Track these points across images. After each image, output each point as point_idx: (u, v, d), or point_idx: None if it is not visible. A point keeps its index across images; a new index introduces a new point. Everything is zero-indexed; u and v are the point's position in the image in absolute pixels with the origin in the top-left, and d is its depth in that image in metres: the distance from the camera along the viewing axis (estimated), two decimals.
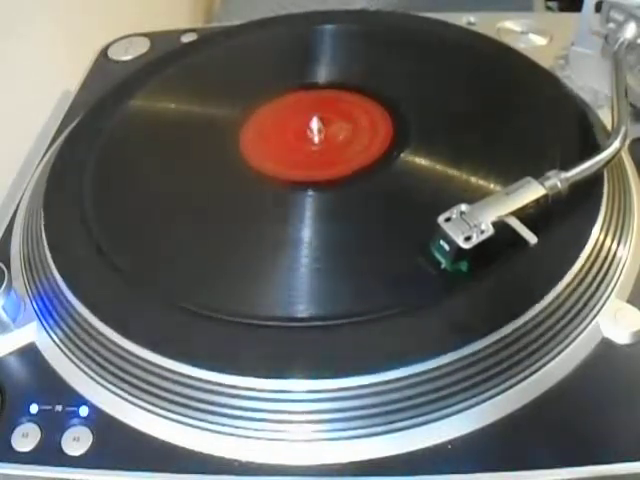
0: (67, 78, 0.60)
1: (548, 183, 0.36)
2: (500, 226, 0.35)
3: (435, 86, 0.49)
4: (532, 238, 0.34)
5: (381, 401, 0.32)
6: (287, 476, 0.32)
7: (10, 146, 0.55)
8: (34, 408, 0.34)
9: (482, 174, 0.41)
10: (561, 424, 0.32)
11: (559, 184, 0.36)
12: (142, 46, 0.61)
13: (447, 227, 0.35)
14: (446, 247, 0.35)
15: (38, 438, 0.33)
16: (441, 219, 0.35)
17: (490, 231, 0.34)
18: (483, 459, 0.31)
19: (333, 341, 0.34)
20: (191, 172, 0.45)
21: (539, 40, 0.56)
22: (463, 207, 0.35)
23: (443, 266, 0.36)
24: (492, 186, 0.40)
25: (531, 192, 0.36)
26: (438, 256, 0.36)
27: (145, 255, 0.39)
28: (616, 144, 0.38)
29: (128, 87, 0.52)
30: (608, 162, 0.38)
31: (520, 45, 0.54)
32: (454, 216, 0.35)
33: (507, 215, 0.35)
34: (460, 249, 0.34)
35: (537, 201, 0.36)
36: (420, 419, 0.32)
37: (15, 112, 0.55)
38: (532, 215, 0.36)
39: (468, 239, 0.34)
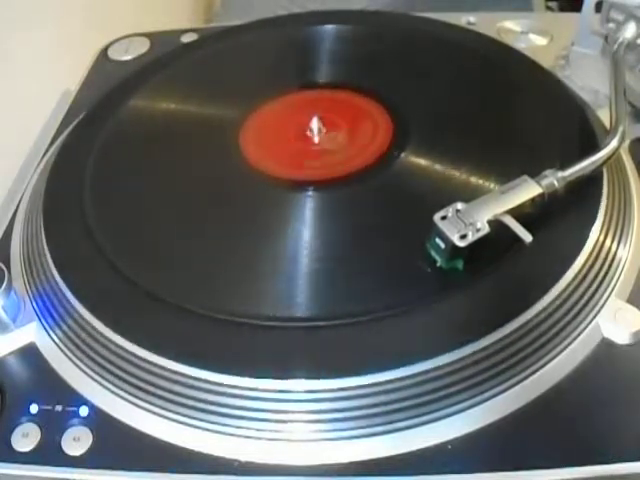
0: (67, 78, 0.60)
1: (545, 182, 0.36)
2: (498, 225, 0.35)
3: (435, 86, 0.49)
4: (527, 237, 0.34)
5: (381, 401, 0.32)
6: (287, 476, 0.32)
7: (10, 146, 0.55)
8: (34, 408, 0.34)
9: (482, 174, 0.41)
10: (561, 424, 0.32)
11: (556, 183, 0.36)
12: (142, 46, 0.61)
13: (443, 225, 0.35)
14: (442, 245, 0.35)
15: (38, 438, 0.33)
16: (437, 217, 0.35)
17: (486, 229, 0.34)
18: (483, 459, 0.31)
19: (333, 341, 0.34)
20: (191, 172, 0.45)
21: (539, 40, 0.56)
22: (459, 205, 0.35)
23: (439, 264, 0.36)
24: (492, 186, 0.40)
25: (527, 191, 0.36)
26: (434, 254, 0.36)
27: (145, 255, 0.39)
28: (614, 143, 0.39)
29: (128, 87, 0.52)
30: (605, 161, 0.38)
31: (520, 45, 0.54)
32: (450, 214, 0.35)
33: (503, 214, 0.35)
34: (455, 247, 0.34)
35: (533, 200, 0.36)
36: (420, 419, 0.32)
37: (15, 112, 0.55)
38: (532, 215, 0.36)
39: (463, 237, 0.34)
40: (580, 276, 0.35)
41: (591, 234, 0.37)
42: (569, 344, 0.34)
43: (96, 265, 0.38)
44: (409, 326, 0.34)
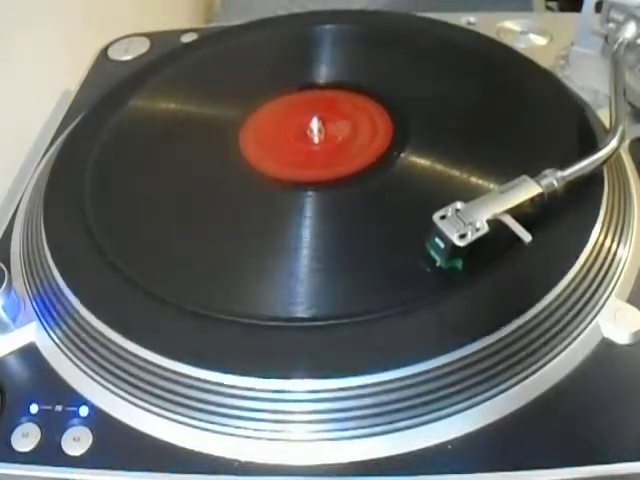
0: (67, 78, 0.60)
1: (544, 182, 0.36)
2: (497, 225, 0.35)
3: (435, 86, 0.49)
4: (526, 236, 0.34)
5: (381, 401, 0.32)
6: (287, 476, 0.32)
7: (10, 146, 0.55)
8: (34, 408, 0.34)
9: (482, 174, 0.41)
10: (561, 424, 0.32)
11: (555, 183, 0.36)
12: (142, 46, 0.61)
13: (442, 225, 0.35)
14: (441, 245, 0.35)
15: (38, 438, 0.33)
16: (436, 217, 0.35)
17: (485, 229, 0.34)
18: (483, 459, 0.31)
19: (333, 341, 0.34)
20: (191, 172, 0.45)
21: (539, 40, 0.56)
22: (458, 205, 0.35)
23: (438, 264, 0.36)
24: (492, 186, 0.40)
25: (526, 190, 0.36)
26: (433, 254, 0.36)
27: (145, 255, 0.39)
28: (613, 143, 0.39)
29: (128, 87, 0.52)
30: (605, 161, 0.38)
31: (520, 45, 0.54)
32: (449, 214, 0.35)
33: (502, 213, 0.35)
34: (455, 247, 0.34)
35: (533, 199, 0.36)
36: (420, 419, 0.32)
37: (15, 112, 0.55)
38: (533, 215, 0.36)
39: (463, 237, 0.34)
40: (580, 276, 0.35)
41: (591, 234, 0.37)
42: (569, 344, 0.34)
43: (96, 265, 0.38)
44: (409, 326, 0.34)
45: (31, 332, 0.38)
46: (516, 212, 0.35)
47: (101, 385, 0.35)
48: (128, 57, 0.60)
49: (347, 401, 0.32)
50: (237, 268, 0.38)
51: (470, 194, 0.37)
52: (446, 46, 0.52)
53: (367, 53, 0.54)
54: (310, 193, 0.42)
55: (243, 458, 0.32)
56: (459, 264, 0.35)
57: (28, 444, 0.33)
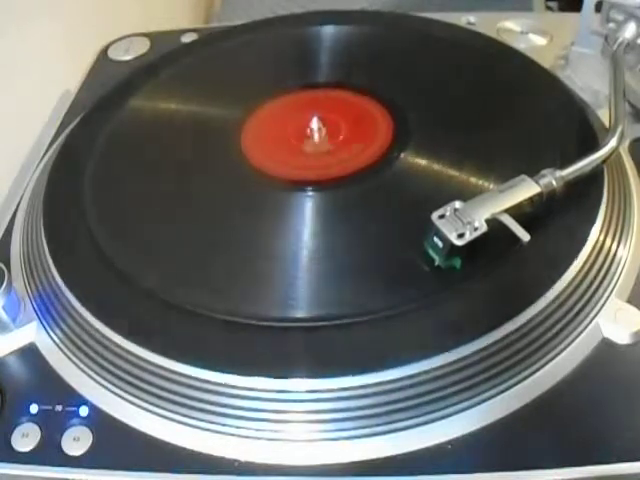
0: (67, 78, 0.60)
1: (543, 181, 0.36)
2: (497, 224, 0.35)
3: (435, 86, 0.49)
4: (525, 236, 0.34)
5: (381, 401, 0.32)
6: (287, 476, 0.32)
7: (10, 146, 0.55)
8: (34, 408, 0.34)
9: (482, 174, 0.41)
10: (561, 424, 0.32)
11: (554, 182, 0.36)
12: (142, 46, 0.61)
13: (440, 224, 0.35)
14: (439, 244, 0.35)
15: (38, 438, 0.33)
16: (435, 216, 0.35)
17: (483, 228, 0.34)
18: (483, 459, 0.31)
19: (333, 341, 0.34)
20: (191, 172, 0.45)
21: (539, 40, 0.56)
22: (457, 204, 0.35)
23: (437, 263, 0.36)
24: (492, 186, 0.40)
25: (525, 190, 0.36)
26: (432, 253, 0.36)
27: (145, 255, 0.39)
28: (612, 143, 0.39)
29: (128, 87, 0.52)
30: (604, 161, 0.38)
31: (520, 45, 0.54)
32: (448, 213, 0.35)
33: (501, 213, 0.35)
34: (453, 246, 0.34)
35: (532, 199, 0.36)
36: (420, 419, 0.32)
37: (15, 112, 0.55)
38: (533, 214, 0.36)
39: (461, 236, 0.34)
40: (580, 276, 0.35)
41: (591, 234, 0.37)
42: (569, 344, 0.34)
43: (96, 265, 0.38)
44: (408, 325, 0.34)
45: (31, 332, 0.38)
46: (515, 211, 0.35)
47: (101, 385, 0.35)
48: (128, 57, 0.60)
49: (347, 401, 0.32)
50: (237, 268, 0.38)
51: (470, 194, 0.37)
52: (446, 46, 0.52)
53: (367, 53, 0.54)
54: (310, 193, 0.42)
55: (243, 458, 0.32)
56: (457, 263, 0.35)
57: (28, 444, 0.33)
